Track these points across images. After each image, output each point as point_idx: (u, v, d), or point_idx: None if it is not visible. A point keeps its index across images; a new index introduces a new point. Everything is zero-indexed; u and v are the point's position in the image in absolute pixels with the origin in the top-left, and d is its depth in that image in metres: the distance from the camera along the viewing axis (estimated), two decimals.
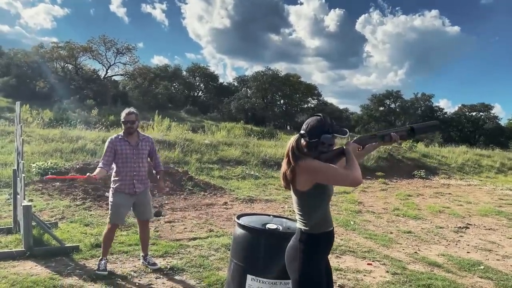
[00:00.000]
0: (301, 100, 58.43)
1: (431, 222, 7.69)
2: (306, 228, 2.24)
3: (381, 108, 61.11)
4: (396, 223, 7.49)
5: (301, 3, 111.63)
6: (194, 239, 5.50)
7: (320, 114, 2.30)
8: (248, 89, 57.60)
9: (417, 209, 9.19)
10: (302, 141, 2.25)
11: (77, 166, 8.95)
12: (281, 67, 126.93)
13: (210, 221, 6.65)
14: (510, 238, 6.67)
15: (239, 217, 3.19)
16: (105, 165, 3.96)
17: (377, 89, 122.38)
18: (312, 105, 58.62)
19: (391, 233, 6.61)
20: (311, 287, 2.21)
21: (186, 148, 12.62)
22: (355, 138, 2.38)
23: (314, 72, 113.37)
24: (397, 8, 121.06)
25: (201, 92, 63.36)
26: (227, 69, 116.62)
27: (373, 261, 4.91)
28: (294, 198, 2.29)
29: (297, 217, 2.30)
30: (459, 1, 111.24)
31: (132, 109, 4.19)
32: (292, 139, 2.25)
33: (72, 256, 4.41)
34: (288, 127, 51.94)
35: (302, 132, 2.26)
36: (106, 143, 4.07)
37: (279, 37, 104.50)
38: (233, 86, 62.74)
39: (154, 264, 4.27)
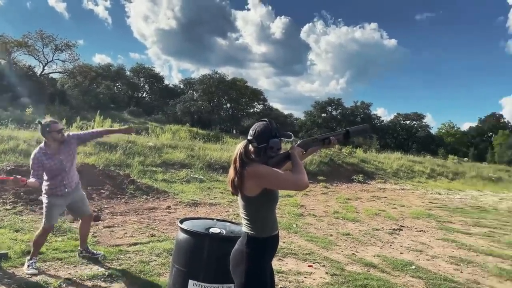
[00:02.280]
0: (247, 104, 58.89)
1: (368, 225, 8.06)
2: (253, 233, 2.25)
3: (324, 115, 63.23)
4: (335, 225, 7.76)
5: (248, 9, 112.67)
6: (135, 244, 5.32)
7: (265, 119, 2.33)
8: (194, 92, 57.03)
9: (355, 212, 9.59)
10: (250, 147, 2.26)
11: (8, 168, 8.32)
12: (228, 71, 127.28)
13: (152, 225, 6.47)
14: (439, 239, 7.16)
15: (182, 221, 3.15)
16: (37, 178, 3.95)
17: (320, 96, 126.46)
18: (258, 110, 59.26)
19: (331, 235, 6.84)
20: None
21: (128, 151, 12.21)
22: (298, 142, 2.44)
23: (260, 78, 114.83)
24: (339, 20, 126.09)
25: (145, 93, 61.74)
26: (173, 71, 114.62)
27: (313, 263, 5.04)
28: (241, 203, 2.30)
29: (244, 221, 2.31)
30: (396, 16, 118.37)
31: (51, 118, 4.17)
32: (240, 145, 2.26)
33: (0, 264, 4.09)
34: (234, 131, 52.06)
35: (250, 138, 2.27)
36: (31, 159, 4.01)
37: (226, 41, 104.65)
38: (179, 88, 61.79)
39: (98, 253, 4.46)
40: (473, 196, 16.26)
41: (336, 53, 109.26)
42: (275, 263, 4.85)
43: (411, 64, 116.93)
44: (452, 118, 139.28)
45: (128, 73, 57.92)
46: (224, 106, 58.05)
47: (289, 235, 6.56)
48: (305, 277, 4.49)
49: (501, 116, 70.00)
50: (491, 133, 65.15)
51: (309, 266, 4.93)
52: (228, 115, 57.04)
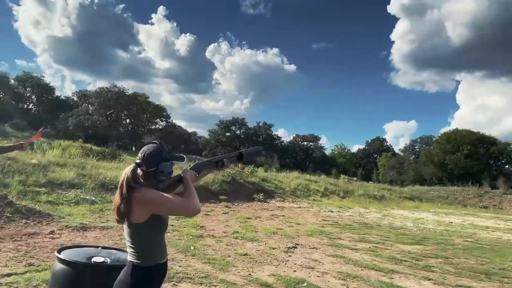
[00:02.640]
0: (148, 120, 57.09)
1: (265, 244, 8.22)
2: (139, 261, 2.10)
3: (228, 134, 64.12)
4: (234, 246, 7.76)
5: (152, 24, 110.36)
6: (9, 275, 4.67)
7: (156, 141, 2.23)
8: (89, 105, 53.57)
9: (254, 231, 9.73)
10: (139, 170, 2.13)
11: None
12: (129, 85, 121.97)
13: (31, 253, 5.77)
14: (329, 256, 7.59)
15: (60, 250, 2.83)
16: None
17: (224, 115, 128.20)
18: (160, 127, 57.81)
19: (229, 256, 6.82)
20: None
21: (7, 168, 10.86)
22: (191, 165, 2.37)
23: (164, 94, 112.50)
24: (243, 42, 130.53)
25: (32, 104, 56.18)
26: (66, 82, 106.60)
27: (209, 287, 4.94)
28: (127, 230, 2.14)
29: (129, 250, 2.15)
30: (295, 44, 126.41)
31: None
32: (128, 169, 2.12)
33: None
34: (134, 148, 49.88)
35: (138, 161, 2.15)
36: None
37: (127, 54, 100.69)
38: (72, 100, 57.51)
39: None
40: (360, 213, 17.68)
41: (240, 74, 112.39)
42: None
43: (308, 89, 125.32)
44: (344, 140, 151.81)
45: (12, 81, 52.25)
46: (123, 122, 55.46)
47: (186, 258, 6.37)
48: None
49: (384, 140, 78.28)
50: (376, 155, 72.18)
51: None
52: (127, 131, 54.58)
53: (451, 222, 16.82)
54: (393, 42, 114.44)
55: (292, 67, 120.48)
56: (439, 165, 43.85)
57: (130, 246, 2.14)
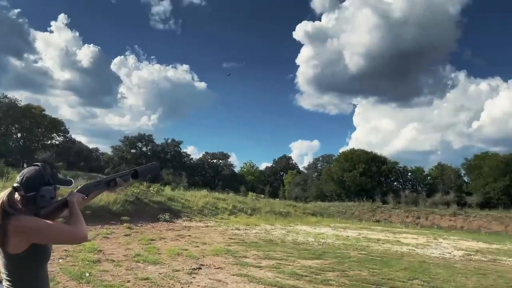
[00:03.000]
0: (43, 135, 52.37)
1: (168, 266, 7.95)
2: None
3: (133, 151, 61.49)
4: (135, 270, 7.37)
5: (51, 31, 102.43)
6: None
7: (39, 163, 2.04)
8: None
9: (157, 253, 9.37)
10: (17, 195, 1.92)
11: None
12: (22, 96, 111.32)
13: None
14: (234, 275, 7.59)
15: None
16: None
17: (130, 131, 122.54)
18: (57, 142, 53.42)
19: (129, 281, 6.45)
20: None
21: None
22: (79, 187, 2.20)
23: (63, 106, 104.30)
24: (152, 57, 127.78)
25: None
26: None
27: None
28: (2, 261, 1.90)
29: (5, 283, 1.91)
30: (206, 61, 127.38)
31: None
32: (3, 193, 1.89)
33: None
34: (25, 165, 45.18)
35: (16, 185, 1.93)
36: None
37: (21, 62, 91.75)
38: None
39: None
40: (266, 230, 18.09)
41: (148, 89, 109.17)
42: None
43: (218, 106, 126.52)
44: (252, 158, 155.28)
45: None
46: (14, 136, 50.15)
47: (80, 286, 5.88)
48: None
49: (290, 158, 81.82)
50: (282, 172, 74.94)
51: None
52: (18, 146, 49.40)
53: (348, 236, 18.04)
54: (298, 66, 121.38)
55: (203, 84, 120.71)
56: (338, 182, 47.03)
57: (7, 279, 1.91)
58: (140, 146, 62.60)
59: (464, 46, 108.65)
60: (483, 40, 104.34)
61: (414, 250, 14.11)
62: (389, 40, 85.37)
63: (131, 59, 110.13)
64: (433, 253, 13.56)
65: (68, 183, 2.11)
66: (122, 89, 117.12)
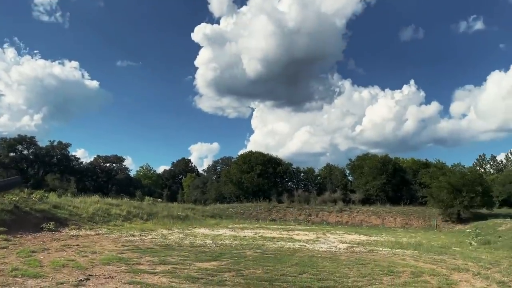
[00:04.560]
0: None
1: (52, 279, 7.28)
2: None
3: (12, 154, 55.02)
4: (12, 286, 6.61)
5: None
6: None
7: None
8: None
9: (39, 266, 8.52)
10: None
11: None
12: None
13: None
14: (125, 283, 7.25)
15: None
16: None
17: (8, 133, 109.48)
18: None
19: None
20: None
21: None
22: None
23: None
24: (35, 51, 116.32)
25: None
26: None
27: None
28: None
29: None
30: (98, 59, 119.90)
31: None
32: None
33: None
34: None
35: None
36: None
37: None
38: None
39: None
40: (163, 234, 17.64)
41: (31, 86, 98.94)
42: None
43: (112, 108, 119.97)
44: (150, 161, 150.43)
45: None
46: None
47: None
48: None
49: (190, 161, 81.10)
50: (181, 176, 73.90)
51: None
52: None
53: (245, 236, 18.51)
54: (197, 68, 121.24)
55: (95, 83, 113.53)
56: (237, 183, 47.93)
57: None
58: (20, 149, 56.26)
59: (349, 56, 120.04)
60: (364, 51, 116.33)
61: (305, 246, 15.03)
62: (284, 47, 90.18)
63: (10, 52, 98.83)
64: (321, 248, 14.61)
65: None
66: None
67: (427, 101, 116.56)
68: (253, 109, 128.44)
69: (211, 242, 15.27)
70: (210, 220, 31.53)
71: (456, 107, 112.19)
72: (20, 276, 7.41)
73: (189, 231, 20.32)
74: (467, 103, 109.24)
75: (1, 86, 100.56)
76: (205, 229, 22.38)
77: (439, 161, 43.98)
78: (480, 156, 64.38)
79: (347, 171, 50.83)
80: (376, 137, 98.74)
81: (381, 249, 14.79)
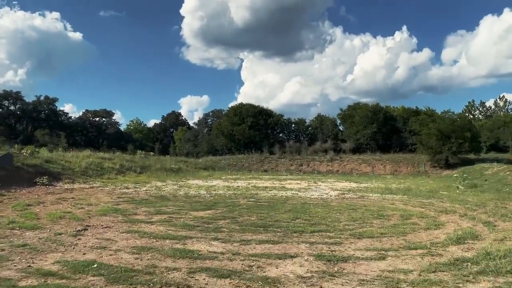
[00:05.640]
0: None
1: (49, 230, 7.40)
2: None
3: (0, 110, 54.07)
4: (9, 237, 6.71)
5: None
6: None
7: None
8: None
9: (36, 218, 8.63)
10: None
11: None
12: None
13: None
14: (123, 233, 7.40)
15: None
16: None
17: None
18: None
19: (3, 250, 5.86)
20: None
21: None
22: None
23: None
24: (14, 2, 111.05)
25: None
26: None
27: None
28: None
29: None
30: (80, 9, 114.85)
31: None
32: None
33: None
34: None
35: None
36: None
37: None
38: None
39: None
40: (157, 186, 17.84)
41: (11, 40, 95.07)
42: None
43: (98, 61, 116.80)
44: (140, 115, 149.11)
45: None
46: None
47: None
48: None
49: (180, 114, 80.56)
50: (172, 129, 73.69)
51: None
52: None
53: (239, 186, 18.82)
54: (184, 17, 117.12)
55: (78, 35, 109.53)
56: (228, 136, 48.04)
57: None
58: (7, 104, 55.19)
59: (340, 2, 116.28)
60: None
61: (297, 194, 15.37)
62: None
63: None
64: (313, 195, 14.95)
65: None
66: None
67: (419, 48, 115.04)
68: (242, 60, 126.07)
69: (205, 192, 15.52)
70: (203, 172, 31.87)
71: (447, 53, 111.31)
72: (18, 228, 7.51)
73: (183, 183, 20.56)
74: (458, 49, 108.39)
75: None
76: (199, 181, 22.67)
77: (429, 108, 44.28)
78: (469, 102, 64.51)
79: (338, 121, 51.06)
80: (367, 86, 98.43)
81: (371, 195, 15.18)
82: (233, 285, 4.45)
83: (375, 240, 6.95)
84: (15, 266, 5.08)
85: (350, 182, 23.24)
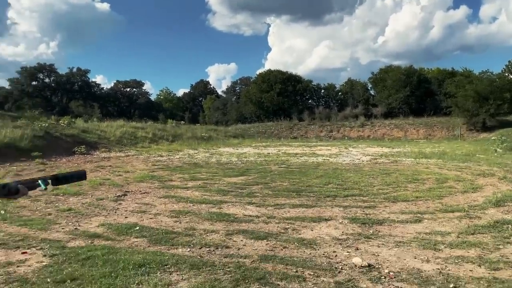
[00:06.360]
0: None
1: (91, 196, 7.76)
2: None
3: (34, 83, 55.83)
4: (55, 203, 7.08)
5: None
6: None
7: None
8: None
9: (78, 185, 9.02)
10: None
11: None
12: None
13: None
14: (161, 197, 7.66)
15: None
16: None
17: (27, 62, 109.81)
18: None
19: (50, 214, 6.20)
20: None
21: None
22: None
23: None
24: None
25: None
26: None
27: (28, 249, 4.43)
28: None
29: None
30: None
31: None
32: None
33: None
34: None
35: None
36: None
37: None
38: None
39: None
40: (189, 154, 18.21)
41: (42, 13, 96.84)
42: None
43: (126, 31, 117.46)
44: (169, 85, 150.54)
45: None
46: None
47: None
48: (17, 266, 3.89)
49: (208, 83, 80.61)
50: (201, 98, 74.07)
51: (22, 253, 4.30)
52: None
53: (269, 153, 18.93)
54: None
55: (105, 5, 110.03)
56: (257, 103, 47.91)
57: None
58: (41, 77, 56.84)
59: None
60: None
61: (328, 160, 15.31)
62: None
63: None
64: (344, 161, 14.86)
65: None
66: (11, 14, 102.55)
67: (455, 5, 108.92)
68: (269, 25, 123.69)
69: (236, 159, 15.71)
70: (233, 140, 32.17)
71: (486, 10, 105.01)
72: (62, 194, 7.89)
73: (214, 151, 20.88)
74: (497, 5, 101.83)
75: (14, 14, 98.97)
76: (229, 148, 22.93)
77: (466, 69, 42.26)
78: (509, 61, 60.85)
79: (369, 85, 49.72)
80: (399, 48, 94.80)
81: (404, 159, 14.93)
82: (270, 246, 4.55)
83: (410, 203, 6.88)
84: (63, 228, 5.38)
85: (382, 147, 22.89)
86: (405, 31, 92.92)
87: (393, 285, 3.45)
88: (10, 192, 1.71)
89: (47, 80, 57.31)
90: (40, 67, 56.04)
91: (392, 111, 42.36)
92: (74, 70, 59.30)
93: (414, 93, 42.21)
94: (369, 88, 49.82)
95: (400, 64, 51.75)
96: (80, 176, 2.10)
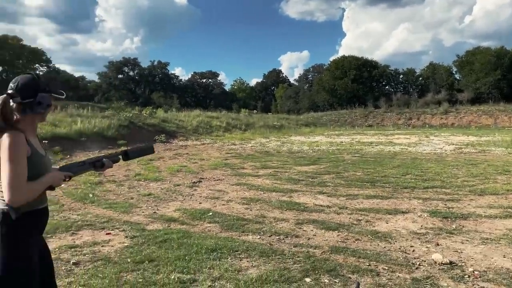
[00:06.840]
0: (25, 66, 50.60)
1: (169, 182, 8.16)
2: (6, 208, 1.81)
3: (120, 76, 60.14)
4: (137, 188, 7.57)
5: None
6: None
7: (31, 72, 1.92)
8: None
9: (157, 171, 9.56)
10: (12, 103, 1.80)
11: None
12: None
13: None
14: (233, 185, 7.82)
15: None
16: None
17: (114, 56, 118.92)
18: (40, 73, 51.76)
19: (132, 198, 6.64)
20: (19, 280, 1.84)
21: None
22: (61, 166, 2.02)
23: (40, 35, 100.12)
24: None
25: None
26: None
27: (112, 230, 4.78)
28: None
29: None
30: None
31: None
32: None
33: None
34: None
35: (10, 91, 1.80)
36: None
37: None
38: None
39: None
40: (261, 143, 18.40)
41: (126, 9, 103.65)
42: (68, 239, 4.40)
43: (202, 24, 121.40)
44: (242, 75, 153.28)
45: None
46: None
47: (85, 206, 6.05)
48: (102, 246, 4.21)
49: (280, 71, 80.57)
50: (273, 87, 74.33)
51: (107, 234, 4.65)
52: (1, 80, 48.04)
53: (342, 142, 18.45)
54: None
55: (183, 0, 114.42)
56: (330, 91, 46.90)
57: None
58: (126, 70, 61.05)
59: None
60: None
61: (407, 149, 14.52)
62: None
63: None
64: (425, 150, 13.98)
65: (61, 94, 2.01)
66: (99, 11, 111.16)
67: None
68: (343, 10, 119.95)
69: (308, 148, 15.54)
70: (305, 128, 31.89)
71: None
72: (143, 180, 8.41)
73: (285, 139, 20.88)
74: None
75: (101, 12, 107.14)
76: (301, 137, 22.77)
77: None
78: None
79: (454, 69, 46.10)
80: (488, 28, 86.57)
81: (493, 149, 13.66)
82: (341, 237, 4.42)
83: (500, 197, 6.27)
84: (143, 212, 5.72)
85: (468, 136, 21.17)
86: (495, 9, 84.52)
87: (478, 285, 3.16)
88: (95, 165, 2.05)
89: (131, 73, 61.42)
90: (125, 61, 60.19)
91: (481, 97, 38.89)
92: (155, 63, 62.82)
93: (505, 77, 38.30)
94: (453, 72, 46.24)
95: (490, 45, 47.33)
96: (147, 150, 2.40)
